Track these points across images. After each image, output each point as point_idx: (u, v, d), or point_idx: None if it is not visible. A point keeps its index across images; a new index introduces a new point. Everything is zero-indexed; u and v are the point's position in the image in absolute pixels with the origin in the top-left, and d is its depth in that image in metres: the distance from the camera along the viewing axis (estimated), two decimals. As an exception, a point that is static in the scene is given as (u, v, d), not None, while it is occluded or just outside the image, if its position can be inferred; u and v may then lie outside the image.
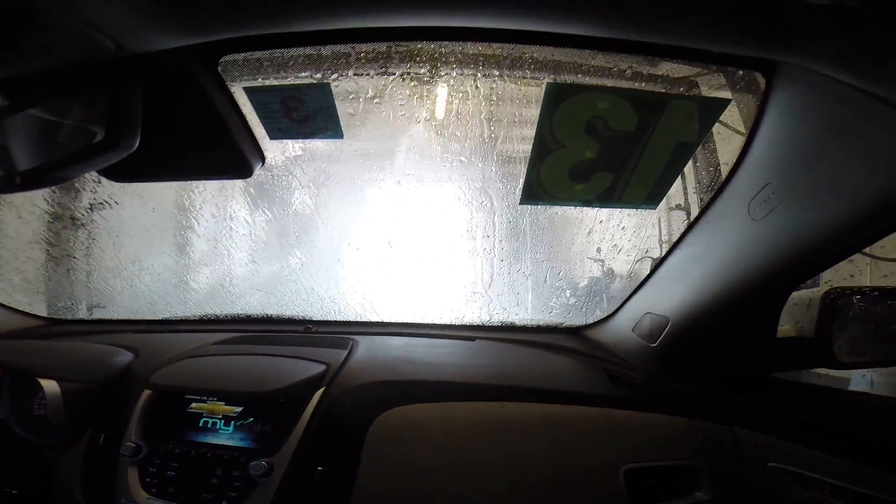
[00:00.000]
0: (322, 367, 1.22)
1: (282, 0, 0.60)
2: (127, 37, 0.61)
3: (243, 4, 0.60)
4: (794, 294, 0.95)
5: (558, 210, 1.20)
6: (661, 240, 1.36)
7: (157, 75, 0.70)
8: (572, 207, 1.14)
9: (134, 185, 1.45)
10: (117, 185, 1.47)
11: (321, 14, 0.64)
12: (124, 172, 0.89)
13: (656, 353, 1.14)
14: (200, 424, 1.13)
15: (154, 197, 1.50)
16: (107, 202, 1.49)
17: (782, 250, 0.84)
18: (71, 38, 0.58)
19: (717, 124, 0.88)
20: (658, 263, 1.15)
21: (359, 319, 1.68)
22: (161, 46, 0.65)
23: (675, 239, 1.12)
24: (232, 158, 0.86)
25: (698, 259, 1.00)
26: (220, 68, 0.75)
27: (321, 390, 1.14)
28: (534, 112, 0.88)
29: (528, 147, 0.94)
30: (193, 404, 1.16)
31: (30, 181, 0.72)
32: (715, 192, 0.94)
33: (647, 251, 1.32)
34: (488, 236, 1.29)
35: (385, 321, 1.67)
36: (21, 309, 1.72)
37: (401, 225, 1.37)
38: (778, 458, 1.01)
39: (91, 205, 1.54)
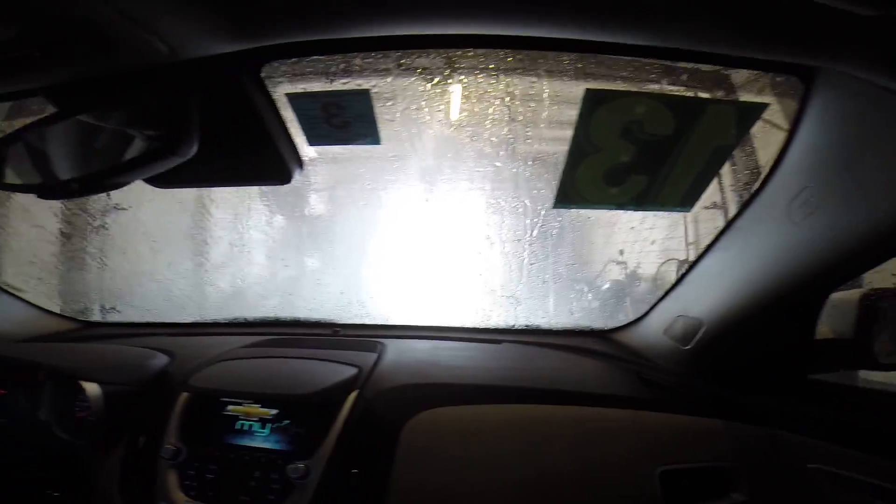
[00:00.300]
0: (354, 370, 1.24)
1: (329, 8, 0.61)
2: (181, 41, 0.61)
3: (293, 11, 0.61)
4: (834, 295, 0.95)
5: (588, 214, 1.20)
6: (687, 242, 1.36)
7: (205, 81, 0.71)
8: (602, 212, 1.14)
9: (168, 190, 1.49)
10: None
11: (365, 21, 0.65)
12: (165, 178, 0.90)
13: (690, 355, 1.14)
14: (237, 427, 1.14)
15: (185, 201, 1.53)
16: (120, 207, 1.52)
17: (822, 252, 0.84)
18: (128, 42, 0.59)
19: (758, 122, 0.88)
20: (691, 266, 1.15)
21: (385, 323, 1.70)
22: (211, 52, 0.65)
23: (704, 241, 1.12)
24: (272, 164, 0.86)
25: (735, 260, 1.00)
26: (263, 74, 0.76)
27: (355, 393, 1.15)
28: (568, 115, 0.89)
29: (561, 149, 0.96)
30: (230, 407, 1.17)
31: (87, 187, 0.74)
32: (752, 193, 0.94)
33: (672, 254, 1.32)
34: (518, 240, 1.30)
35: (411, 325, 1.69)
36: (57, 312, 1.77)
37: (429, 228, 1.38)
38: (818, 458, 1.00)
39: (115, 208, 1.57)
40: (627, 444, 1.11)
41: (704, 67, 0.83)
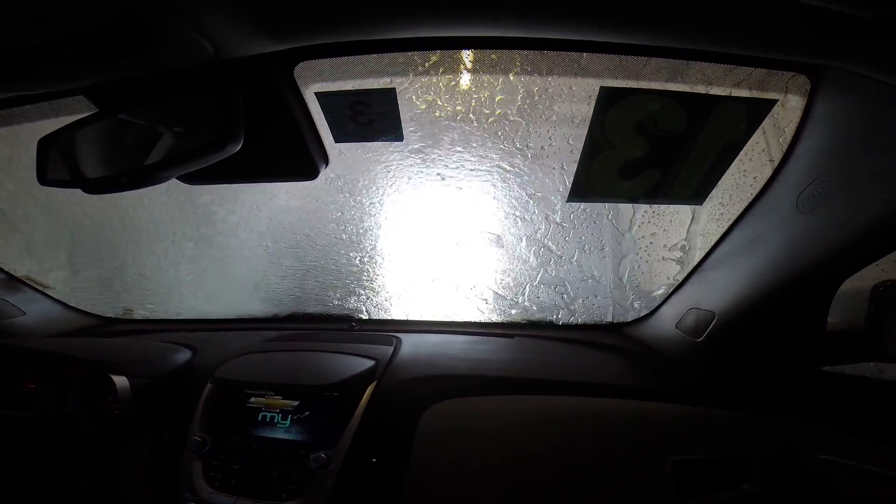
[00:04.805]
0: (371, 363, 1.27)
1: (365, 10, 0.64)
2: (227, 41, 0.64)
3: (330, 13, 0.63)
4: (844, 286, 0.97)
5: (598, 209, 1.23)
6: (689, 232, 1.36)
7: (243, 81, 0.74)
8: (616, 206, 1.17)
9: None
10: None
11: (394, 24, 0.68)
12: (194, 175, 0.93)
13: (702, 347, 1.16)
14: (259, 419, 1.18)
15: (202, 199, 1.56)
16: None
17: (831, 243, 0.87)
18: (178, 41, 0.61)
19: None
20: (702, 259, 1.17)
21: (399, 318, 1.73)
22: (253, 52, 0.68)
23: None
24: (300, 161, 0.89)
25: (746, 252, 1.02)
26: (295, 74, 0.79)
27: (373, 384, 1.19)
28: (584, 112, 0.93)
29: (576, 146, 0.99)
30: (253, 399, 1.21)
31: (134, 180, 0.77)
32: (762, 187, 0.97)
33: (685, 248, 1.34)
34: (530, 235, 1.33)
35: (425, 319, 1.72)
36: (81, 308, 1.82)
37: (442, 223, 1.41)
38: (829, 450, 1.02)
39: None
40: (640, 435, 1.13)
41: (714, 66, 0.86)
